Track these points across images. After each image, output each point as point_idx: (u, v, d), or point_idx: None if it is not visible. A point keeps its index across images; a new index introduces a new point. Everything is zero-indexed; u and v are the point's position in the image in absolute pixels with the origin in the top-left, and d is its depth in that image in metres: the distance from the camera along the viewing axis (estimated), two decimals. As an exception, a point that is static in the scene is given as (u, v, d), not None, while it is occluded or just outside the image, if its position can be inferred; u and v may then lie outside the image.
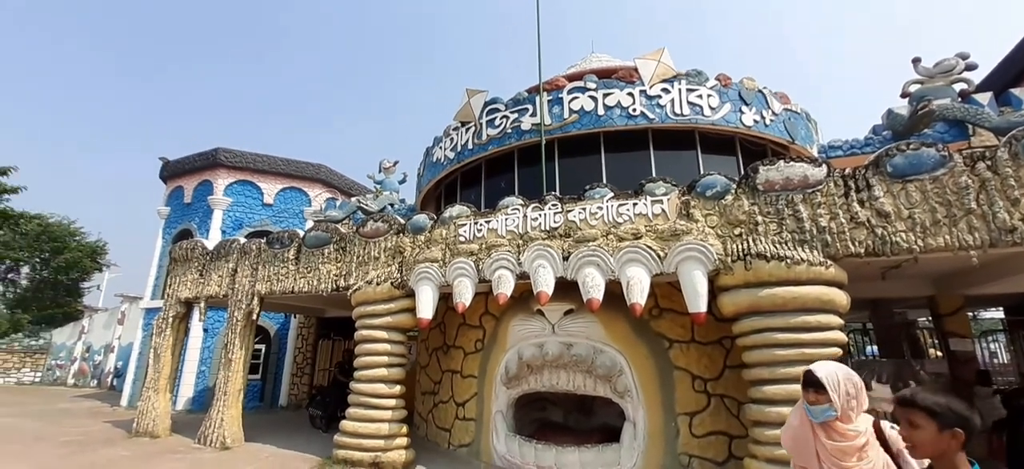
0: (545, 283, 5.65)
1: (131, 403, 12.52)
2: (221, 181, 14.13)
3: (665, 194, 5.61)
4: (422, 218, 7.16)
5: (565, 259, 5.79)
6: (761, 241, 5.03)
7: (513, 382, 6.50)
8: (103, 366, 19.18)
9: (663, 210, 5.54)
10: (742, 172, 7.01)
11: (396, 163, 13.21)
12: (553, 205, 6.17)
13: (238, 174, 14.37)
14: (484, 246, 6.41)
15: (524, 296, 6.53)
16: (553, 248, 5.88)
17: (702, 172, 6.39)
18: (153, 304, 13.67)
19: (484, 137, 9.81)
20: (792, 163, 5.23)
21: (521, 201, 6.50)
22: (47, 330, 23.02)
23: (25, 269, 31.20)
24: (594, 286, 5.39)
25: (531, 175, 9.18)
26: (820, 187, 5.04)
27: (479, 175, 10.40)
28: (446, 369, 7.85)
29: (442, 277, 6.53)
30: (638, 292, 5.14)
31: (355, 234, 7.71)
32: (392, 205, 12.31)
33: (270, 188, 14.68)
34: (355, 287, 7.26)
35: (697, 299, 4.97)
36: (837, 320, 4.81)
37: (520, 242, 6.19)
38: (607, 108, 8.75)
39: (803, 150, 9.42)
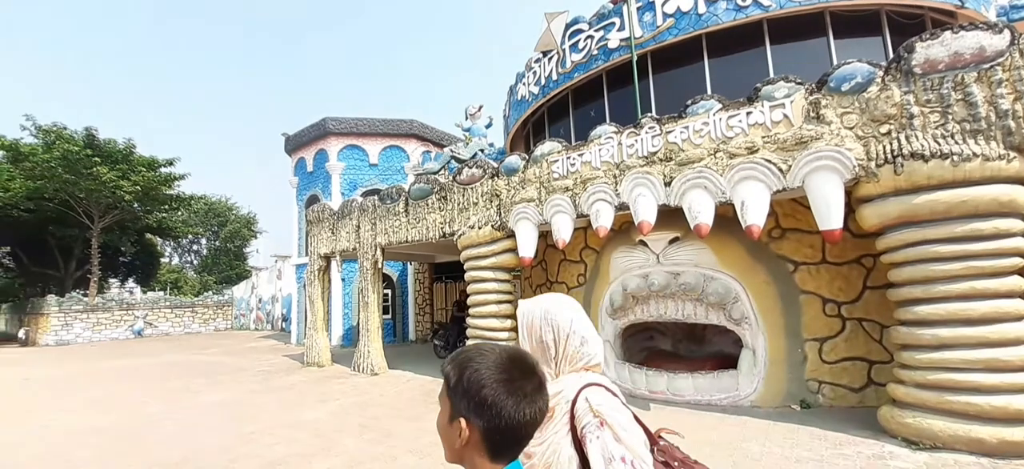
0: (646, 212, 5.42)
1: (298, 341, 15.29)
2: (333, 148, 15.64)
3: (787, 96, 4.86)
4: (514, 159, 7.22)
5: (667, 185, 5.45)
6: (917, 137, 4.17)
7: (618, 313, 6.53)
8: (273, 313, 23.54)
9: (785, 115, 4.84)
10: (891, 55, 5.78)
11: (481, 108, 13.24)
12: (650, 128, 5.75)
13: (346, 139, 15.74)
14: (579, 180, 6.29)
15: (625, 227, 6.38)
16: (653, 174, 5.56)
17: (835, 63, 5.38)
18: (300, 261, 16.12)
19: (568, 64, 9.33)
20: (962, 33, 4.13)
21: (614, 128, 6.17)
22: (228, 288, 28.71)
23: (203, 240, 38.81)
24: (701, 211, 5.03)
25: (622, 98, 8.60)
26: (1001, 60, 3.94)
27: (566, 107, 10.04)
28: (551, 303, 8.14)
29: (540, 215, 6.63)
30: (755, 213, 4.69)
31: (453, 182, 8.09)
32: (482, 150, 12.55)
33: (374, 148, 15.89)
34: (459, 233, 7.73)
35: (830, 215, 4.37)
36: (1019, 225, 3.91)
37: (616, 172, 5.95)
38: (710, 3, 7.64)
39: (976, 14, 7.37)
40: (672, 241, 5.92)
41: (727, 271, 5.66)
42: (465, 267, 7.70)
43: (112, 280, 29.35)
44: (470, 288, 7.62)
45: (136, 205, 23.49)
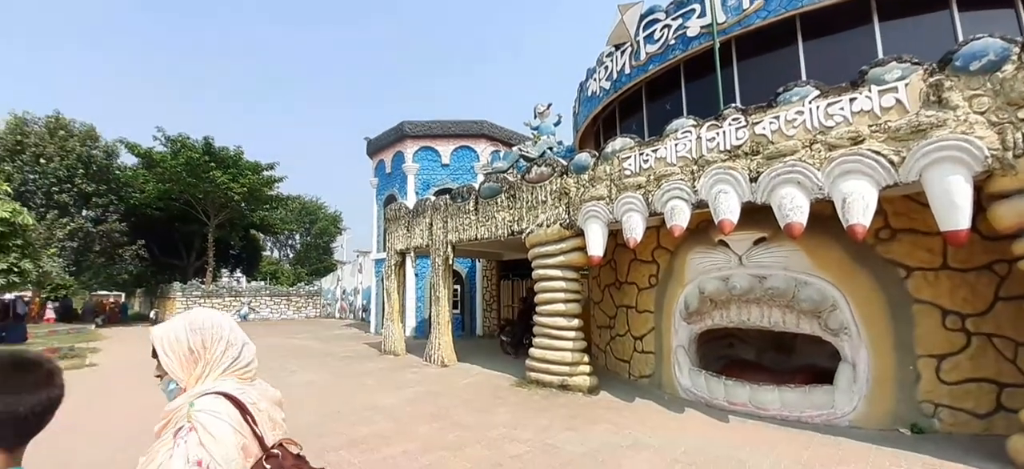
0: (728, 210, 5.07)
1: (376, 330, 16.36)
2: (409, 150, 16.51)
3: (901, 79, 4.29)
4: (584, 157, 7.12)
5: (753, 181, 5.05)
6: (1075, 121, 3.48)
7: (694, 317, 6.19)
8: (355, 303, 25.41)
9: (897, 100, 4.27)
10: (1037, 24, 4.90)
11: (549, 106, 13.21)
12: (734, 119, 5.37)
13: (421, 141, 16.55)
14: (652, 177, 6.05)
15: (702, 226, 6.03)
16: (736, 170, 5.18)
17: (962, 39, 4.66)
18: (379, 256, 17.24)
19: (643, 56, 9.00)
20: None
21: (692, 121, 5.84)
22: (317, 280, 31.45)
23: (297, 236, 42.84)
24: (794, 208, 4.60)
25: (701, 90, 8.13)
26: None
27: (639, 101, 9.70)
28: (620, 304, 7.93)
29: (610, 214, 6.47)
30: (859, 211, 4.19)
31: (522, 181, 8.16)
32: (551, 149, 12.52)
33: (446, 149, 16.53)
34: (528, 231, 7.78)
35: (955, 213, 3.79)
36: None
37: (694, 167, 5.63)
38: (804, -18, 6.97)
39: None
40: (757, 242, 5.50)
41: (823, 275, 5.13)
42: (533, 265, 7.74)
43: (223, 270, 33.43)
44: (537, 286, 7.65)
45: (243, 205, 26.58)
